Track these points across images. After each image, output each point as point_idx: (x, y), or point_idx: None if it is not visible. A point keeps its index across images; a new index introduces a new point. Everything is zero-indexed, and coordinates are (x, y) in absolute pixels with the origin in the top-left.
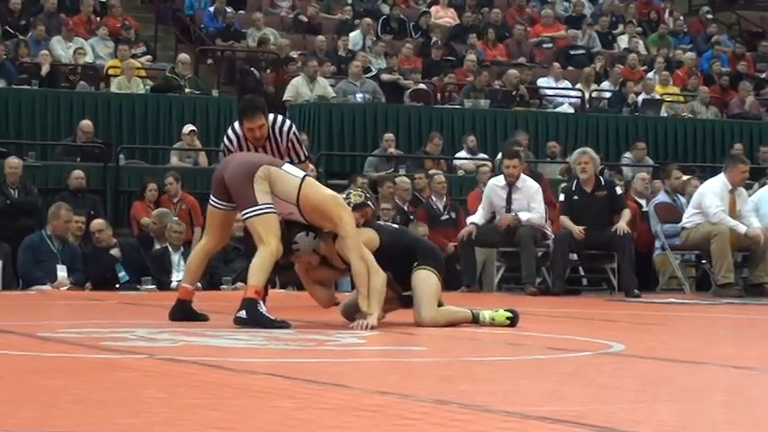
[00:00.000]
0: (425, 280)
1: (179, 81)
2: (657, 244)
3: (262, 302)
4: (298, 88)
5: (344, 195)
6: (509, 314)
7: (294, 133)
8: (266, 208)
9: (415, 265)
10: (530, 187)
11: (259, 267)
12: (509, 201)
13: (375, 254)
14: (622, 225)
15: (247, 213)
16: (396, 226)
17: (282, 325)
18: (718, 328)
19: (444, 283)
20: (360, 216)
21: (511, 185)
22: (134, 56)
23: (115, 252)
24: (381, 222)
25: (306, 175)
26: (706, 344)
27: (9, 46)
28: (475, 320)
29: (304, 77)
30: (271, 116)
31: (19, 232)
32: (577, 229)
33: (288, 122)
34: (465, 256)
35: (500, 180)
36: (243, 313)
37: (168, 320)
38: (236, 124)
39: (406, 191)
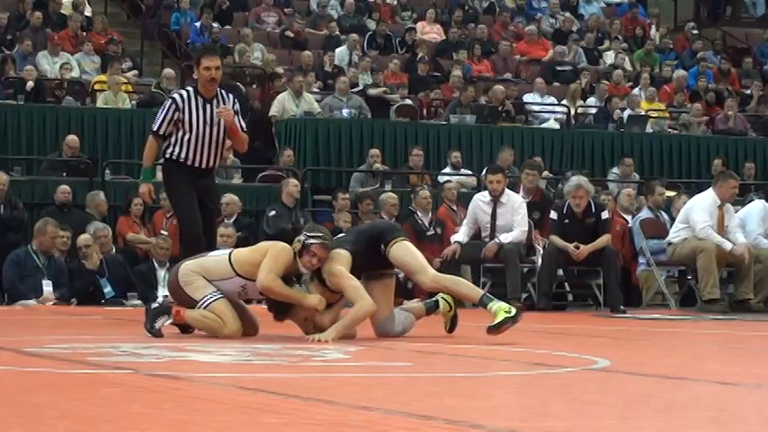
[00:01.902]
0: (407, 249)
1: (164, 96)
2: (642, 260)
3: (170, 321)
4: (284, 104)
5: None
6: (510, 314)
7: (237, 103)
8: (208, 299)
9: (387, 243)
10: (514, 202)
11: (203, 317)
12: (494, 216)
13: (354, 268)
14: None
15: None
16: (352, 229)
17: (155, 333)
18: (704, 343)
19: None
20: (310, 258)
21: (495, 201)
22: (120, 71)
23: (92, 265)
24: (342, 237)
25: (231, 250)
26: (692, 360)
27: None
28: (482, 305)
29: (290, 93)
30: None
31: (4, 247)
32: (572, 248)
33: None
34: (449, 272)
35: (485, 196)
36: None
37: (153, 336)
38: (179, 91)
39: (393, 206)
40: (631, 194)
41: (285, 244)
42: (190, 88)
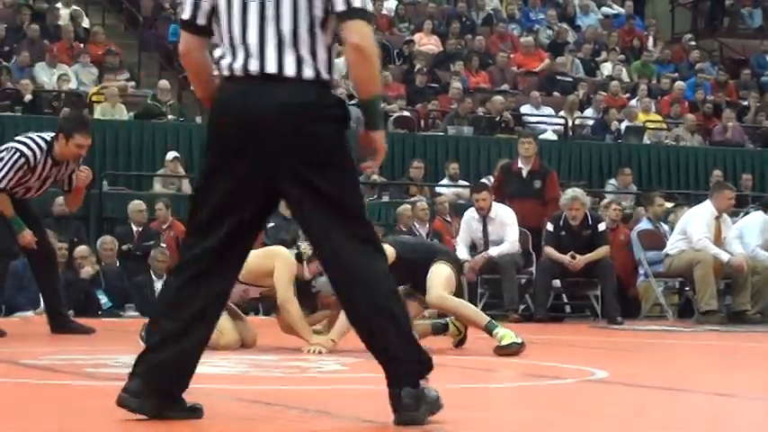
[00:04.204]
0: (438, 270)
1: (161, 108)
2: (641, 271)
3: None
4: None
5: (295, 249)
6: (517, 340)
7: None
8: None
9: (432, 261)
10: (503, 215)
11: None
12: (485, 233)
13: (392, 267)
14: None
15: None
16: (412, 237)
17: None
18: (701, 355)
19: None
20: (318, 266)
21: (484, 217)
22: (114, 81)
23: (85, 275)
24: (400, 237)
25: None
26: (689, 371)
27: None
28: (488, 331)
29: None
30: None
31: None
32: (567, 259)
33: None
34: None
35: (474, 212)
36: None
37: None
38: (43, 138)
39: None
40: (617, 208)
41: (289, 254)
42: (44, 146)
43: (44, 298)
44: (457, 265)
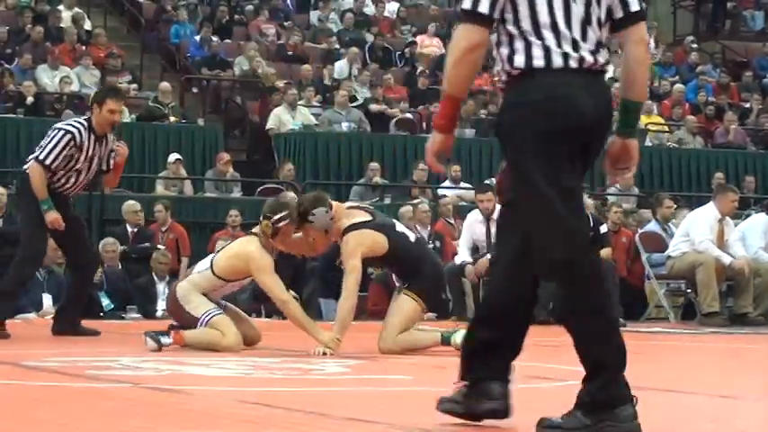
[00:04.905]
0: (398, 308)
1: (162, 110)
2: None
3: (170, 341)
4: (280, 117)
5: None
6: None
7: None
8: (206, 315)
9: (405, 286)
10: None
11: (203, 334)
12: (488, 234)
13: (381, 257)
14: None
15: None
16: (412, 236)
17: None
18: (703, 357)
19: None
20: (284, 236)
21: (488, 219)
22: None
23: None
24: (401, 230)
25: (211, 263)
26: (691, 373)
27: None
28: (445, 342)
29: (285, 106)
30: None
31: (4, 261)
32: None
33: None
34: (452, 286)
35: (478, 214)
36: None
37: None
38: (82, 118)
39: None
40: (618, 210)
41: (254, 242)
42: (84, 123)
43: (67, 299)
44: (427, 289)
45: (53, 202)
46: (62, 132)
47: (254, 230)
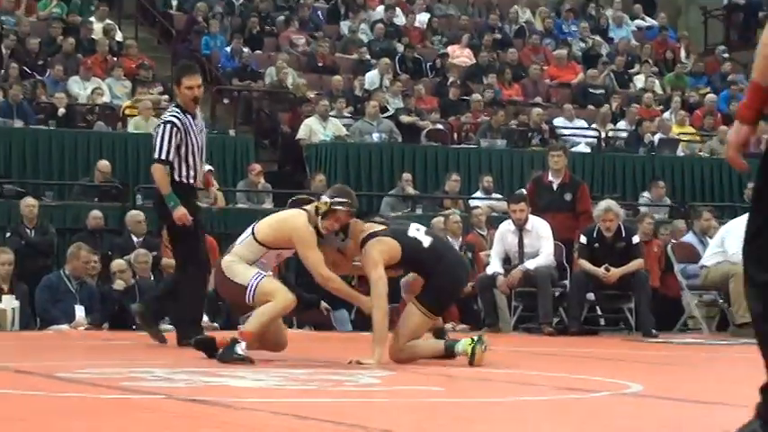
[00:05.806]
0: (404, 320)
1: None
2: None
3: (244, 344)
4: (311, 127)
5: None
6: (476, 344)
7: None
8: (254, 279)
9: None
10: (539, 228)
11: (259, 314)
12: (521, 245)
13: (397, 264)
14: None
15: (248, 297)
16: (426, 241)
17: (244, 360)
18: (737, 368)
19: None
20: (333, 222)
21: (521, 229)
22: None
23: (118, 287)
24: (413, 234)
25: (253, 230)
26: (725, 384)
27: (27, 86)
28: (448, 351)
29: (317, 117)
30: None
31: (36, 272)
32: (602, 272)
33: None
34: (484, 297)
35: (510, 224)
36: (220, 351)
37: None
38: (168, 110)
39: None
40: (650, 221)
41: (302, 216)
42: (176, 108)
43: (189, 307)
44: (436, 300)
45: (186, 196)
46: (162, 125)
47: (305, 207)
